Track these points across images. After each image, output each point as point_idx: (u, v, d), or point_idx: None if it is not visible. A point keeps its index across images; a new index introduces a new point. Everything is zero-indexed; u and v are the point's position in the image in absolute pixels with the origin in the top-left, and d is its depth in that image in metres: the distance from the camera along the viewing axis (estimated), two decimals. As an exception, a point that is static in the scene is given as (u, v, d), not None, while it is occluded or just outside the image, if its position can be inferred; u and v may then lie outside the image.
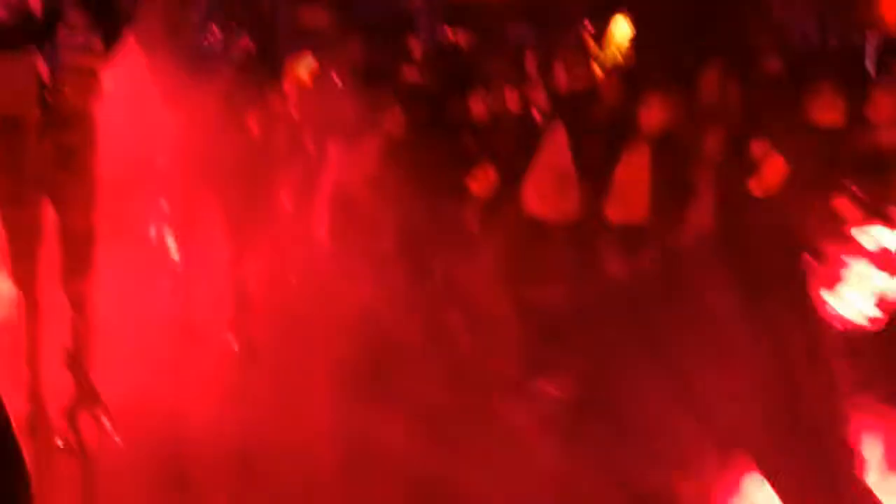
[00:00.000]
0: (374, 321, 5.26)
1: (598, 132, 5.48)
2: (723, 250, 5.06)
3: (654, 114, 5.40)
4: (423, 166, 5.58)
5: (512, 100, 5.80)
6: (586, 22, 6.39)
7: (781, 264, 4.64)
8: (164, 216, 5.78)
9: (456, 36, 6.74)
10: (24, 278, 4.61)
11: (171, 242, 5.75)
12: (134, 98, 5.53)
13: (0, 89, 4.58)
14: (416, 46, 6.74)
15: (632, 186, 5.33)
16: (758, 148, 5.20)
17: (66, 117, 4.63)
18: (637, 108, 5.44)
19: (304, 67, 6.46)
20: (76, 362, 4.50)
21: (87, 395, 4.48)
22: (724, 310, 4.65)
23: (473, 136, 5.77)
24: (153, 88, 5.65)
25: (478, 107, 5.85)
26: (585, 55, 5.98)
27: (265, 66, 6.06)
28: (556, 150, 5.50)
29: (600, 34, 6.40)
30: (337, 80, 6.16)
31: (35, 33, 4.56)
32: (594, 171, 5.38)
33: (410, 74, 5.96)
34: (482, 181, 5.68)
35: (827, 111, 5.08)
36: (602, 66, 6.09)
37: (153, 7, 5.68)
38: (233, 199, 5.54)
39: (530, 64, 5.92)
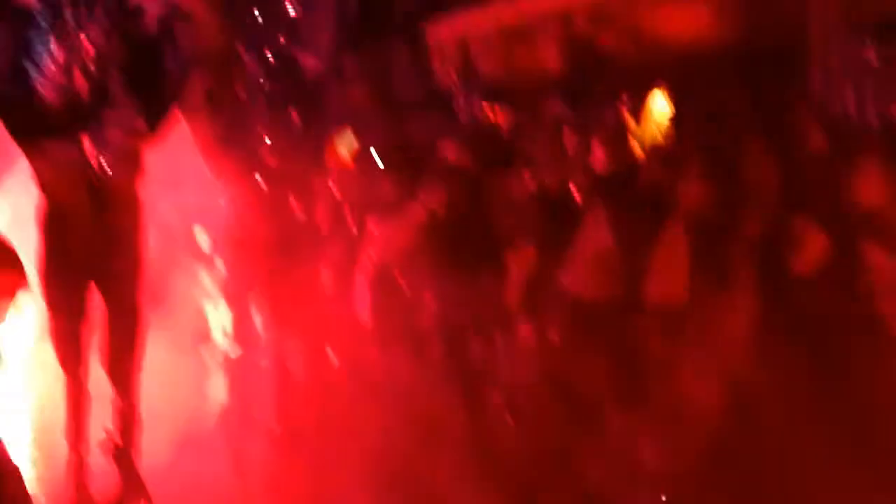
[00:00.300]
0: (414, 402, 5.25)
1: (638, 210, 5.46)
2: (772, 330, 5.00)
3: (693, 191, 5.37)
4: (462, 245, 5.60)
5: (551, 178, 5.81)
6: (624, 98, 6.40)
7: (854, 352, 4.55)
8: (208, 296, 5.82)
9: (494, 114, 6.77)
10: (71, 362, 4.63)
11: (213, 323, 5.79)
12: (178, 175, 5.60)
13: (48, 173, 4.63)
14: (455, 124, 6.78)
15: (671, 266, 5.29)
16: (799, 226, 5.16)
17: (112, 198, 4.64)
18: (677, 185, 5.42)
19: (345, 145, 6.52)
20: (123, 454, 4.49)
21: (133, 487, 4.46)
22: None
23: (512, 214, 5.76)
24: (197, 165, 5.72)
25: (517, 185, 5.86)
26: (624, 132, 5.98)
27: (308, 144, 6.11)
28: (595, 228, 5.48)
29: (638, 110, 6.40)
30: (377, 157, 6.21)
31: (82, 115, 4.59)
32: (634, 251, 5.36)
33: (449, 153, 5.99)
34: (521, 260, 5.67)
35: (870, 189, 5.04)
36: (641, 143, 6.08)
37: (198, 84, 5.75)
38: (274, 278, 5.57)
39: (569, 141, 5.93)
